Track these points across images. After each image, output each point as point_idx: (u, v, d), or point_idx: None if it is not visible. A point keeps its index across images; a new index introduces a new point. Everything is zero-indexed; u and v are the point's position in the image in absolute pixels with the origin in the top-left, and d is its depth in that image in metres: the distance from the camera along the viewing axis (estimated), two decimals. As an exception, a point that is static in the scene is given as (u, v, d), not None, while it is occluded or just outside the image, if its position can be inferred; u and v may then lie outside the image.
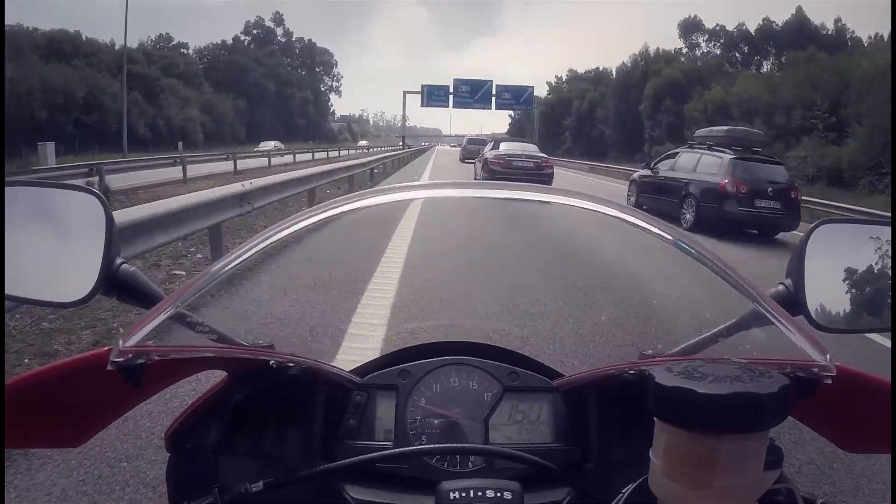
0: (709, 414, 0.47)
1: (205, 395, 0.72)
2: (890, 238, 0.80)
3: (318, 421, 0.74)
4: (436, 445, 0.68)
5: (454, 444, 0.66)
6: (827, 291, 0.77)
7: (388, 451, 0.65)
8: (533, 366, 0.83)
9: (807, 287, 0.77)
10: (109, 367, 0.51)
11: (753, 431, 0.48)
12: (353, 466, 0.68)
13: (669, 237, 0.71)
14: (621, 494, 0.64)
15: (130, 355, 0.52)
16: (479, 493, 0.57)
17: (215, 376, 0.73)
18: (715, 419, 0.47)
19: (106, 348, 0.53)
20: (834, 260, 0.79)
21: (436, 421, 0.77)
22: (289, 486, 0.62)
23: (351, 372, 0.81)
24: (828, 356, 0.56)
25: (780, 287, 0.79)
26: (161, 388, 0.66)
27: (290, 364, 0.69)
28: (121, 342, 0.54)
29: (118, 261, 0.74)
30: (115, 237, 0.73)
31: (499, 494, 0.57)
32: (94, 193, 0.74)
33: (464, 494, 0.56)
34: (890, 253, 0.79)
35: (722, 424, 0.47)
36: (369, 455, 0.63)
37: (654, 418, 0.51)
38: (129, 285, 0.74)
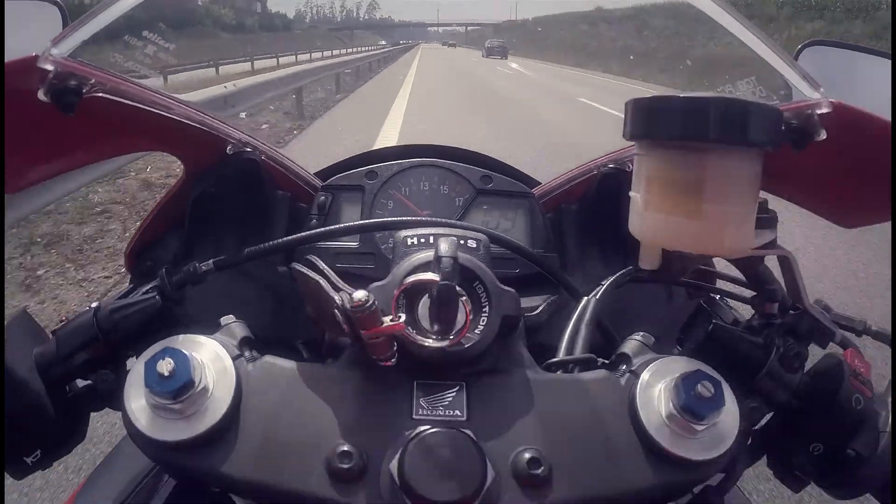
0: (694, 118, 0.43)
1: (161, 201, 0.68)
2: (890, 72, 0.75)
3: (281, 226, 0.70)
4: (394, 219, 0.62)
5: (418, 218, 0.61)
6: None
7: (342, 225, 0.59)
8: (508, 171, 0.79)
9: None
10: (41, 96, 0.45)
11: (742, 144, 0.44)
12: (310, 249, 0.63)
13: None
14: (601, 285, 0.60)
15: (60, 69, 0.46)
16: (441, 239, 0.51)
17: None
18: (700, 123, 0.43)
19: (33, 54, 0.45)
20: (824, 83, 0.75)
21: None
22: (239, 264, 0.57)
23: (314, 174, 0.77)
24: (821, 90, 0.51)
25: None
26: (99, 154, 0.61)
27: (248, 148, 0.65)
28: (50, 46, 0.47)
29: None
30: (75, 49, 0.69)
31: (462, 242, 0.52)
32: (51, 1, 0.69)
33: (422, 240, 0.52)
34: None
35: (707, 129, 0.43)
36: (322, 229, 0.58)
37: (635, 145, 0.47)
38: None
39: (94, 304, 0.54)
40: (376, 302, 0.42)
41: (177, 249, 0.68)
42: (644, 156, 0.47)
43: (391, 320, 0.43)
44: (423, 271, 0.47)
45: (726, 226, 0.46)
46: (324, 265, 0.54)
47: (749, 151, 0.45)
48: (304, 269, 0.47)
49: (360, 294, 0.42)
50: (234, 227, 0.69)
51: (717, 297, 0.68)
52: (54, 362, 0.49)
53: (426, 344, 0.44)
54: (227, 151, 0.65)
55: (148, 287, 0.56)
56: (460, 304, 0.45)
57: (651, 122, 0.45)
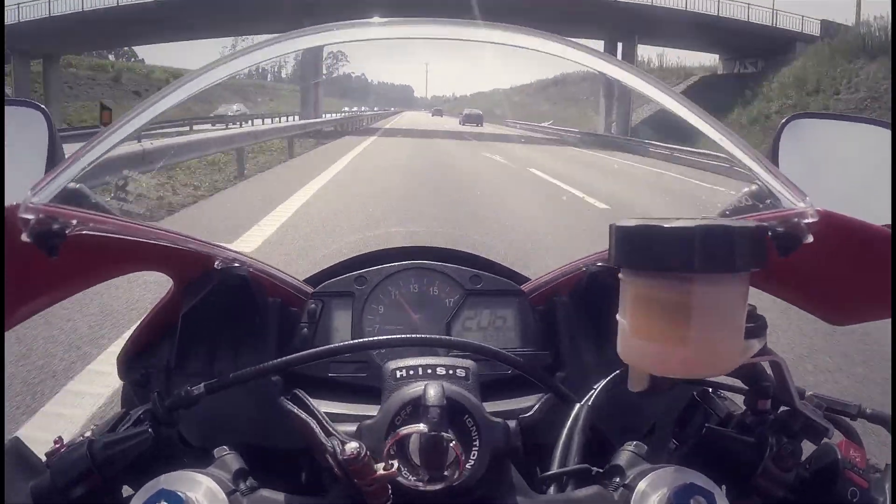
0: (677, 249, 0.42)
1: (151, 311, 0.68)
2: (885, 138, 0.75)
3: (272, 335, 0.69)
4: (383, 337, 0.62)
5: (407, 335, 0.61)
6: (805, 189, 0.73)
7: (330, 346, 0.59)
8: (497, 269, 0.79)
9: None
10: (24, 238, 0.44)
11: (728, 271, 0.43)
12: (303, 372, 0.63)
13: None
14: (593, 390, 0.59)
15: (42, 216, 0.45)
16: (429, 371, 0.51)
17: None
18: (684, 254, 0.42)
19: (14, 203, 0.45)
20: (809, 157, 0.75)
21: (394, 328, 0.73)
22: (230, 387, 0.56)
23: (304, 281, 0.76)
24: (807, 199, 0.51)
25: (754, 187, 0.76)
26: (89, 282, 0.60)
27: (237, 264, 0.64)
28: (30, 195, 0.47)
29: None
30: (59, 151, 0.68)
31: (451, 371, 0.51)
32: (36, 107, 0.68)
33: (411, 372, 0.51)
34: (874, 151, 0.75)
35: (692, 260, 0.42)
36: (308, 352, 0.58)
37: (620, 273, 0.47)
38: (76, 204, 0.70)
39: (87, 435, 0.54)
40: (368, 453, 0.42)
41: (169, 357, 0.67)
42: (630, 282, 0.46)
43: (384, 468, 0.42)
44: (413, 410, 0.47)
45: (715, 350, 0.45)
46: (314, 405, 0.53)
47: (737, 275, 0.44)
48: (295, 409, 0.47)
49: (352, 446, 0.42)
50: (226, 336, 0.69)
51: (710, 389, 0.67)
52: (50, 496, 0.49)
53: (416, 486, 0.44)
54: (216, 266, 0.65)
55: (140, 411, 0.56)
56: (449, 448, 0.44)
57: (635, 250, 0.44)
